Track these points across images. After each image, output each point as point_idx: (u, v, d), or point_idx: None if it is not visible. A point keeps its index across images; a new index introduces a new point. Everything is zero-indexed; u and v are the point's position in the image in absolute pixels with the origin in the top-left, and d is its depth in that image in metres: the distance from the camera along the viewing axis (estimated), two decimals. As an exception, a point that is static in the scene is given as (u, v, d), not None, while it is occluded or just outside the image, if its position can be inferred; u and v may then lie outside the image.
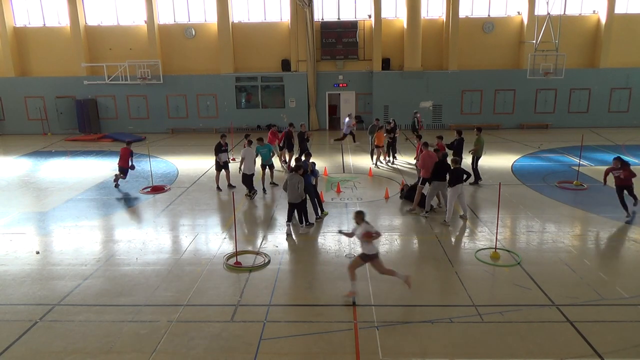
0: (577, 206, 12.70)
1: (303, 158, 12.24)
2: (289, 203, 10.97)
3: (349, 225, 11.48)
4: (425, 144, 13.16)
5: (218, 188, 14.61)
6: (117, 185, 15.14)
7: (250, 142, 13.91)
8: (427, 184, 12.26)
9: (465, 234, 10.84)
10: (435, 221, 11.65)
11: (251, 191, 13.77)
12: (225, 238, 10.74)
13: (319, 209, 11.79)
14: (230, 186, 14.62)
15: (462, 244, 10.32)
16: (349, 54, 25.87)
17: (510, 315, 7.38)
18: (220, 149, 14.30)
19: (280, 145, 17.22)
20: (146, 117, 26.66)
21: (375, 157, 17.78)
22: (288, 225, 11.00)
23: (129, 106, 26.53)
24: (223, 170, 14.48)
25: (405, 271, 9.20)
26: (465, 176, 11.43)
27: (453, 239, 10.62)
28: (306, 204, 11.14)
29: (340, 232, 8.76)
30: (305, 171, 11.39)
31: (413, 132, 20.93)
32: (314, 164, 12.48)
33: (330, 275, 8.92)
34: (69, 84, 26.12)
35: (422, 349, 6.61)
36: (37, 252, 10.04)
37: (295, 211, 11.05)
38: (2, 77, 26.17)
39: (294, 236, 10.79)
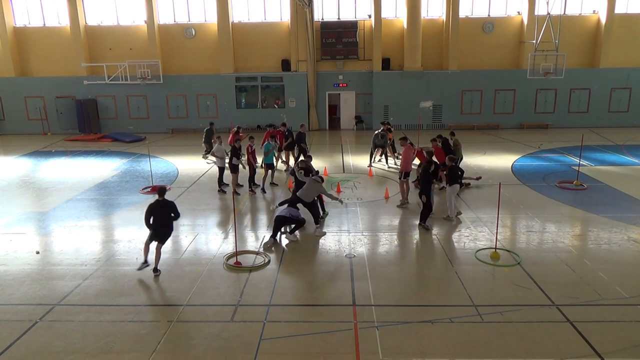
0: (577, 206, 12.70)
1: (301, 158, 12.30)
2: (299, 198, 10.90)
3: (349, 225, 11.49)
4: (405, 139, 13.43)
5: (235, 192, 14.00)
6: None
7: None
8: (408, 178, 12.75)
9: (465, 234, 10.84)
10: (436, 221, 11.65)
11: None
12: (225, 238, 10.73)
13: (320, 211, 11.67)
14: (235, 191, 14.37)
15: (462, 244, 10.32)
16: (349, 54, 25.85)
17: (510, 315, 7.38)
18: (237, 153, 13.96)
19: (284, 147, 17.14)
20: (146, 117, 26.64)
21: (378, 156, 17.86)
22: (276, 208, 11.20)
23: (129, 106, 26.52)
24: (233, 173, 14.06)
25: (406, 271, 9.25)
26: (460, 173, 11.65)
27: (453, 239, 10.62)
28: (317, 205, 11.24)
29: None
30: (310, 171, 11.43)
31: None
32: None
33: (330, 275, 8.93)
34: (69, 84, 26.11)
35: (422, 349, 6.61)
36: (37, 252, 10.04)
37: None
38: (2, 77, 26.16)
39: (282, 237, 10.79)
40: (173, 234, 10.79)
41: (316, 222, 11.05)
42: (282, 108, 26.46)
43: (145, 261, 8.95)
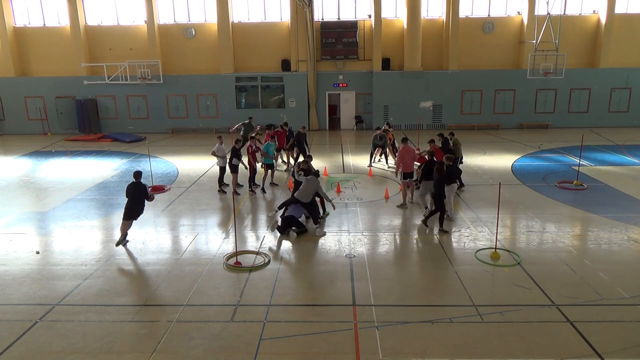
0: (577, 206, 12.70)
1: (301, 159, 12.33)
2: (296, 199, 10.99)
3: (349, 225, 11.50)
4: (405, 139, 13.37)
5: (235, 192, 14.01)
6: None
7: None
8: (408, 179, 12.74)
9: (465, 234, 10.84)
10: (436, 221, 11.62)
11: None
12: (225, 238, 10.74)
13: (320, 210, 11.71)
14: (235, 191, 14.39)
15: (462, 244, 10.32)
16: (349, 54, 25.87)
17: (510, 315, 7.38)
18: (238, 154, 13.90)
19: (287, 147, 17.19)
20: (146, 117, 26.66)
21: (378, 157, 17.95)
22: (275, 212, 11.32)
23: (129, 106, 26.53)
24: (233, 173, 14.02)
25: (406, 271, 9.25)
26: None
27: (453, 239, 10.62)
28: (316, 205, 11.32)
29: None
30: (310, 172, 11.52)
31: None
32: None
33: (330, 275, 8.93)
34: (69, 84, 26.12)
35: (422, 349, 6.61)
36: (37, 252, 10.04)
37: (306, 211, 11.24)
38: (2, 77, 26.17)
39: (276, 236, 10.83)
40: (173, 234, 10.98)
41: (315, 222, 11.07)
42: (282, 108, 26.46)
43: (125, 236, 10.27)
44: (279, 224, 11.04)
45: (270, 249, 10.14)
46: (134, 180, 10.38)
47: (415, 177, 13.02)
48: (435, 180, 10.92)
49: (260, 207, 13.33)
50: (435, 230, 11.07)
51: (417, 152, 14.21)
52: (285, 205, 11.18)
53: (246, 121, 19.69)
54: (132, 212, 10.26)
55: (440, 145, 14.30)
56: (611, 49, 25.43)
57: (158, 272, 9.07)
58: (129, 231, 10.41)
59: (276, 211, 11.25)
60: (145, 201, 10.43)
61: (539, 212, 12.22)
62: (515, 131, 25.24)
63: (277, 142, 16.38)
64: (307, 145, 17.10)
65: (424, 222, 11.28)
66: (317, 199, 11.85)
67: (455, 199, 12.11)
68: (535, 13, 24.77)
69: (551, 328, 7.03)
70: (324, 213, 11.93)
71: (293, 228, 10.90)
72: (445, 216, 11.54)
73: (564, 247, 9.97)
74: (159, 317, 7.49)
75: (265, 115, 26.27)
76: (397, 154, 13.16)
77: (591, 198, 13.40)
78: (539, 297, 7.95)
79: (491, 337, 6.84)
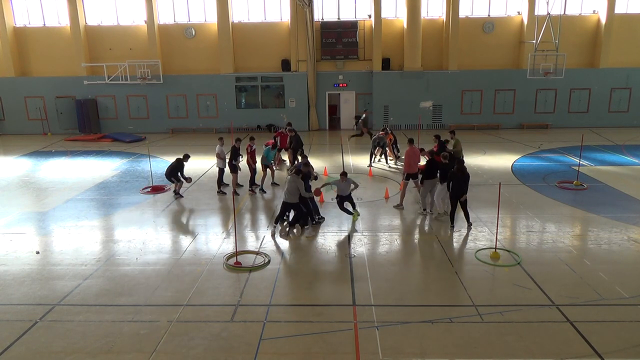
0: (577, 206, 12.70)
1: (300, 159, 12.30)
2: (284, 202, 10.99)
3: (349, 225, 11.50)
4: (411, 140, 13.38)
5: (235, 192, 14.01)
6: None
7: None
8: (410, 179, 12.80)
9: (465, 234, 10.83)
10: (435, 221, 11.66)
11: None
12: (225, 238, 10.74)
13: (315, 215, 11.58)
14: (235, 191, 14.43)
15: (462, 244, 10.32)
16: (349, 54, 25.85)
17: (510, 315, 7.38)
18: (237, 154, 13.96)
19: (286, 147, 17.23)
20: (146, 117, 26.64)
21: (378, 157, 17.92)
22: (274, 227, 11.01)
23: (129, 106, 26.52)
24: (232, 173, 14.07)
25: (406, 271, 9.25)
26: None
27: (453, 239, 10.62)
28: (308, 204, 11.23)
29: None
30: (307, 175, 11.47)
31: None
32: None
33: (330, 275, 8.93)
34: (69, 84, 26.11)
35: (422, 349, 6.61)
36: (37, 252, 10.05)
37: (293, 212, 11.15)
38: (2, 77, 26.15)
39: (276, 239, 10.75)
40: (173, 234, 11.05)
41: (304, 224, 11.04)
42: (282, 108, 26.45)
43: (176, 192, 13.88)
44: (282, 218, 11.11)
45: (274, 244, 10.15)
46: (180, 158, 13.69)
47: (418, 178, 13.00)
48: (456, 180, 10.84)
49: (260, 207, 13.34)
50: (437, 230, 11.06)
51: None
52: (280, 216, 11.13)
53: (363, 115, 22.13)
54: (172, 178, 13.62)
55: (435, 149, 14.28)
56: (611, 49, 25.41)
57: (158, 272, 9.08)
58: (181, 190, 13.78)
59: (275, 226, 11.11)
60: (180, 176, 13.73)
61: (539, 212, 12.22)
62: (515, 131, 25.24)
63: (279, 143, 16.46)
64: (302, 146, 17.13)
65: (452, 227, 11.11)
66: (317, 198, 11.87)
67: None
68: (535, 13, 24.74)
69: (551, 328, 7.03)
70: (318, 217, 11.87)
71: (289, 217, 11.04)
72: (425, 211, 11.75)
73: (564, 247, 9.98)
74: (159, 317, 7.49)
75: (265, 115, 26.28)
76: (404, 155, 13.15)
77: (591, 198, 13.40)
78: (539, 297, 7.95)
79: (491, 337, 6.84)
